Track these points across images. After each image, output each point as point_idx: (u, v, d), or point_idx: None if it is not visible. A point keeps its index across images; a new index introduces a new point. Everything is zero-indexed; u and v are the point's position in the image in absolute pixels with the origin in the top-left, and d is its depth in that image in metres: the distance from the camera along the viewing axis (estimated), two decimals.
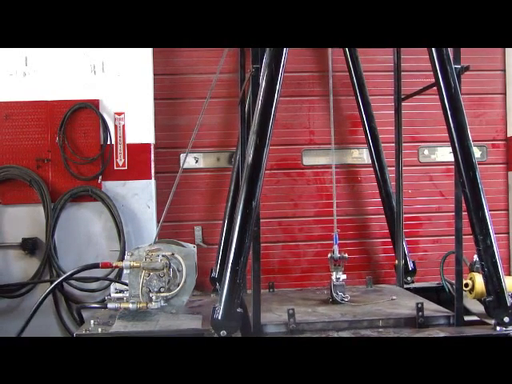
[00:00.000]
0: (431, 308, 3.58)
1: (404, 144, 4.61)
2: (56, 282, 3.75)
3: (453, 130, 3.14)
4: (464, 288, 3.50)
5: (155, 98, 4.76)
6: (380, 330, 3.28)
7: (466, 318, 3.56)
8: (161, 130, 4.81)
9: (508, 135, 5.13)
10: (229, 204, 4.38)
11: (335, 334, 3.17)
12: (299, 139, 4.98)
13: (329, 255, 3.76)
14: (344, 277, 3.71)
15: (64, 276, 3.79)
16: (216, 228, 4.67)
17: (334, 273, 3.72)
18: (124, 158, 4.61)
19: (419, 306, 3.33)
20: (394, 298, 3.91)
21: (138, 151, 4.63)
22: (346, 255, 3.71)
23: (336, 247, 3.74)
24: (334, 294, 3.71)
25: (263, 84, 3.03)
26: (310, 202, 4.99)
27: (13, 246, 4.50)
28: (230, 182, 4.44)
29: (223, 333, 2.91)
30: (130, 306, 3.28)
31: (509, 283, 3.14)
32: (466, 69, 3.36)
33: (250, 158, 2.99)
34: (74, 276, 3.87)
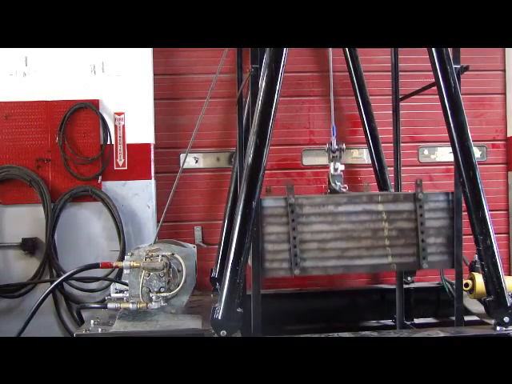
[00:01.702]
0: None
1: (404, 144, 4.60)
2: (56, 282, 3.76)
3: (453, 129, 3.14)
4: (464, 288, 3.50)
5: (155, 98, 4.76)
6: (381, 217, 3.29)
7: (466, 318, 3.57)
8: (161, 130, 4.81)
9: (508, 135, 5.13)
10: (229, 204, 4.38)
11: (335, 335, 3.17)
12: (299, 139, 4.98)
13: (326, 147, 3.63)
14: (342, 167, 3.59)
15: (64, 276, 3.78)
16: (216, 228, 4.67)
17: (332, 163, 3.59)
18: (124, 158, 4.61)
19: (418, 182, 3.33)
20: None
21: (138, 151, 4.63)
22: (344, 146, 3.60)
23: (333, 138, 3.63)
24: (333, 184, 3.57)
25: (263, 84, 3.02)
26: None
27: (13, 245, 4.51)
28: (230, 182, 4.44)
29: (223, 333, 2.91)
30: (130, 306, 3.28)
31: (509, 283, 3.14)
32: (466, 69, 3.36)
33: (249, 158, 2.98)
34: (74, 276, 3.86)
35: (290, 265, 3.23)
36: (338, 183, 3.56)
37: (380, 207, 3.31)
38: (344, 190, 3.55)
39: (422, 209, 3.33)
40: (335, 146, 3.58)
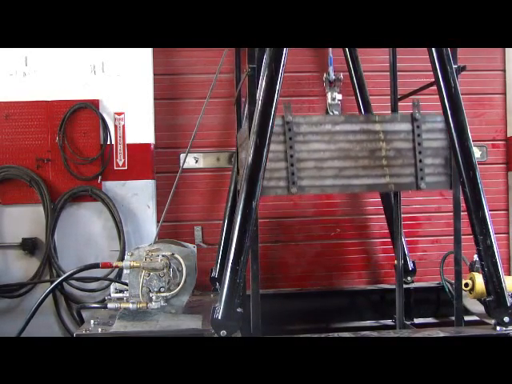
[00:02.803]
0: None
1: None
2: (56, 282, 3.75)
3: (453, 129, 3.14)
4: (464, 288, 3.51)
5: (155, 98, 4.76)
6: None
7: (466, 318, 3.57)
8: (161, 130, 4.81)
9: (508, 135, 5.13)
10: (229, 204, 4.37)
11: (335, 335, 3.17)
12: None
13: (324, 76, 3.61)
14: (339, 97, 3.57)
15: (64, 276, 3.78)
16: (216, 228, 4.67)
17: (329, 93, 3.56)
18: (124, 157, 4.61)
19: (415, 103, 3.36)
20: None
21: (137, 151, 4.63)
22: (341, 76, 3.58)
23: (331, 69, 3.60)
24: (330, 113, 3.56)
25: (263, 84, 3.02)
26: (310, 202, 4.99)
27: (13, 245, 4.50)
28: (230, 182, 4.44)
29: (223, 333, 2.91)
30: (130, 306, 3.28)
31: (509, 283, 3.14)
32: (463, 69, 3.37)
33: (249, 158, 2.98)
34: (74, 276, 3.87)
35: (287, 183, 3.24)
36: (336, 111, 3.55)
37: (377, 127, 3.32)
38: None
39: (419, 129, 3.34)
40: (333, 76, 3.56)
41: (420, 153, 3.33)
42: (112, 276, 4.35)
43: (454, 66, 3.17)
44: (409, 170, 3.34)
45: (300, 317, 4.41)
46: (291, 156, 3.24)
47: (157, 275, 3.32)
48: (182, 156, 4.68)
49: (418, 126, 3.35)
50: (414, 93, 3.95)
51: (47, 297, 3.69)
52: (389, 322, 4.41)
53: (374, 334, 3.19)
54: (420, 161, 3.33)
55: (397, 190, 3.37)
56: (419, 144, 3.34)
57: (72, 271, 3.62)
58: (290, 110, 3.26)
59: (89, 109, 4.54)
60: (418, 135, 3.34)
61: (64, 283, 4.38)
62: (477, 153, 4.97)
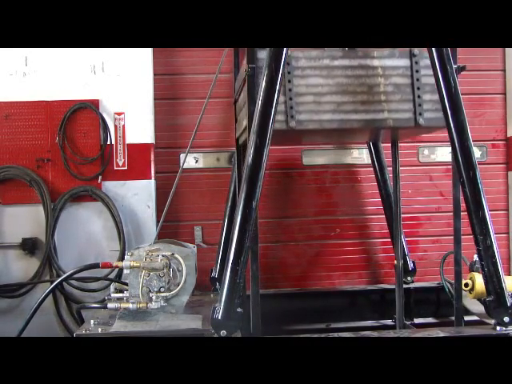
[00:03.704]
0: None
1: (404, 144, 4.61)
2: (56, 282, 3.75)
3: (453, 130, 3.14)
4: (464, 288, 3.50)
5: (155, 98, 4.76)
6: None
7: (466, 318, 3.57)
8: (161, 130, 4.81)
9: (508, 135, 5.13)
10: (229, 204, 4.38)
11: (335, 335, 3.17)
12: None
13: None
14: None
15: (64, 276, 3.78)
16: (216, 228, 4.67)
17: None
18: (124, 158, 4.61)
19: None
20: None
21: (138, 151, 4.63)
22: None
23: None
24: None
25: (263, 84, 3.02)
26: (310, 201, 4.99)
27: (13, 246, 4.51)
28: (230, 182, 4.44)
29: (223, 333, 2.91)
30: (130, 306, 3.28)
31: (509, 283, 3.14)
32: (462, 69, 3.37)
33: (249, 158, 2.98)
34: (74, 276, 3.87)
35: (285, 117, 3.25)
36: None
37: (376, 62, 3.33)
38: None
39: (417, 65, 3.34)
40: None
41: (418, 88, 3.34)
42: (112, 276, 4.35)
43: (453, 66, 3.17)
44: (407, 105, 3.35)
45: (300, 317, 4.41)
46: (290, 90, 3.25)
47: (157, 275, 3.32)
48: (182, 156, 4.68)
49: (416, 62, 3.34)
50: None
51: (47, 297, 3.69)
52: (389, 322, 4.41)
53: (374, 334, 3.19)
54: (418, 96, 3.34)
55: (395, 126, 3.37)
56: (417, 80, 3.35)
57: (72, 271, 3.63)
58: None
59: (89, 109, 4.54)
60: (417, 71, 3.34)
61: (64, 283, 4.38)
62: (477, 153, 4.98)
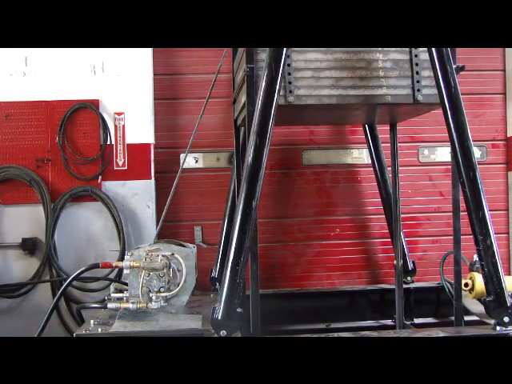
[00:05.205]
0: None
1: (404, 144, 4.61)
2: (68, 280, 3.58)
3: (453, 129, 3.14)
4: (464, 288, 3.50)
5: (155, 98, 4.76)
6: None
7: (466, 318, 3.57)
8: (161, 130, 4.81)
9: (508, 135, 5.14)
10: (229, 204, 4.38)
11: (335, 335, 3.17)
12: (299, 139, 4.98)
13: None
14: None
15: (73, 276, 3.62)
16: (216, 228, 4.67)
17: None
18: (124, 158, 4.61)
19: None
20: None
21: (137, 151, 4.63)
22: None
23: None
24: None
25: (263, 84, 3.02)
26: (310, 201, 4.99)
27: (13, 245, 4.51)
28: (230, 182, 4.44)
29: (223, 333, 2.91)
30: (130, 306, 3.28)
31: (509, 283, 3.14)
32: (462, 69, 3.37)
33: (249, 158, 2.98)
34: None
35: (284, 92, 3.26)
36: None
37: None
38: None
39: None
40: None
41: (417, 65, 3.35)
42: (112, 276, 4.35)
43: (453, 66, 3.17)
44: (406, 81, 3.36)
45: (300, 317, 4.41)
46: (288, 65, 3.25)
47: (157, 275, 3.32)
48: (182, 156, 4.68)
49: None
50: None
51: (60, 298, 3.62)
52: (389, 322, 4.41)
53: (374, 334, 3.19)
54: (417, 73, 3.34)
55: (394, 102, 3.38)
56: (416, 56, 3.36)
57: (79, 271, 3.50)
58: None
59: (89, 109, 4.54)
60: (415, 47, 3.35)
61: (63, 283, 4.38)
62: (477, 153, 4.98)
